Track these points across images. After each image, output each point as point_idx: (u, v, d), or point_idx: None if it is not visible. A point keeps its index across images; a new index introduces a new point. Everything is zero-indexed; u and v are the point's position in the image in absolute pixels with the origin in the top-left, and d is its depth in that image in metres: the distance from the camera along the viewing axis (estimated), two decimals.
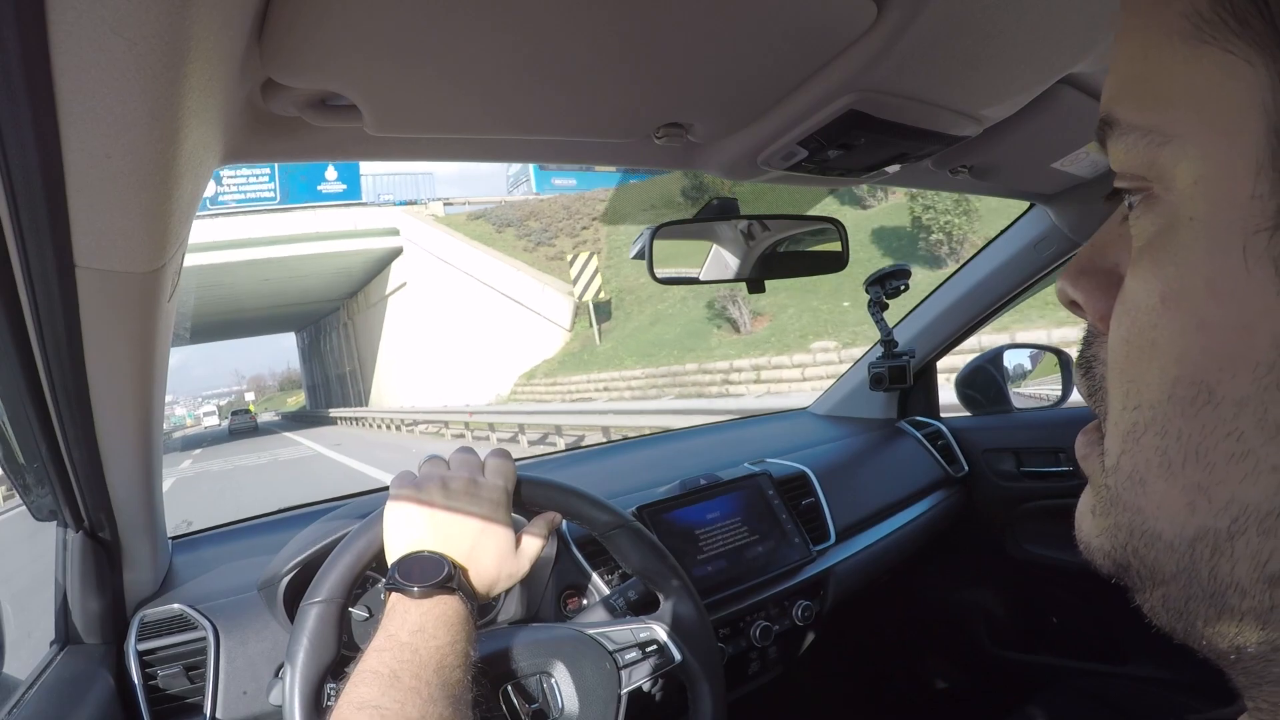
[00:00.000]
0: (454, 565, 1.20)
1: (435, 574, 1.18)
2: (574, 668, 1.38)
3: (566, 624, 1.53)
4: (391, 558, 1.25)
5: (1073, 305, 0.53)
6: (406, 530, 1.25)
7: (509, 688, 1.33)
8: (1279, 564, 0.38)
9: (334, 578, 1.29)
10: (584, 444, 3.19)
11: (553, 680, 1.36)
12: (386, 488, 1.42)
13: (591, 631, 1.45)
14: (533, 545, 1.35)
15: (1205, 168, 0.40)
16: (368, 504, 1.72)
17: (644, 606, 1.60)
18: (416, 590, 1.16)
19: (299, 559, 1.61)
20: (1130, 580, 0.48)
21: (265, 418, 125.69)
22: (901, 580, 2.85)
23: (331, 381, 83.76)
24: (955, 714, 3.11)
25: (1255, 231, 0.37)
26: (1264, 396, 0.38)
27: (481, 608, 1.86)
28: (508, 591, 1.90)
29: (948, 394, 3.28)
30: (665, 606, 1.53)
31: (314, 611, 1.25)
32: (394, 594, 1.19)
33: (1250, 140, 0.37)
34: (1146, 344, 0.44)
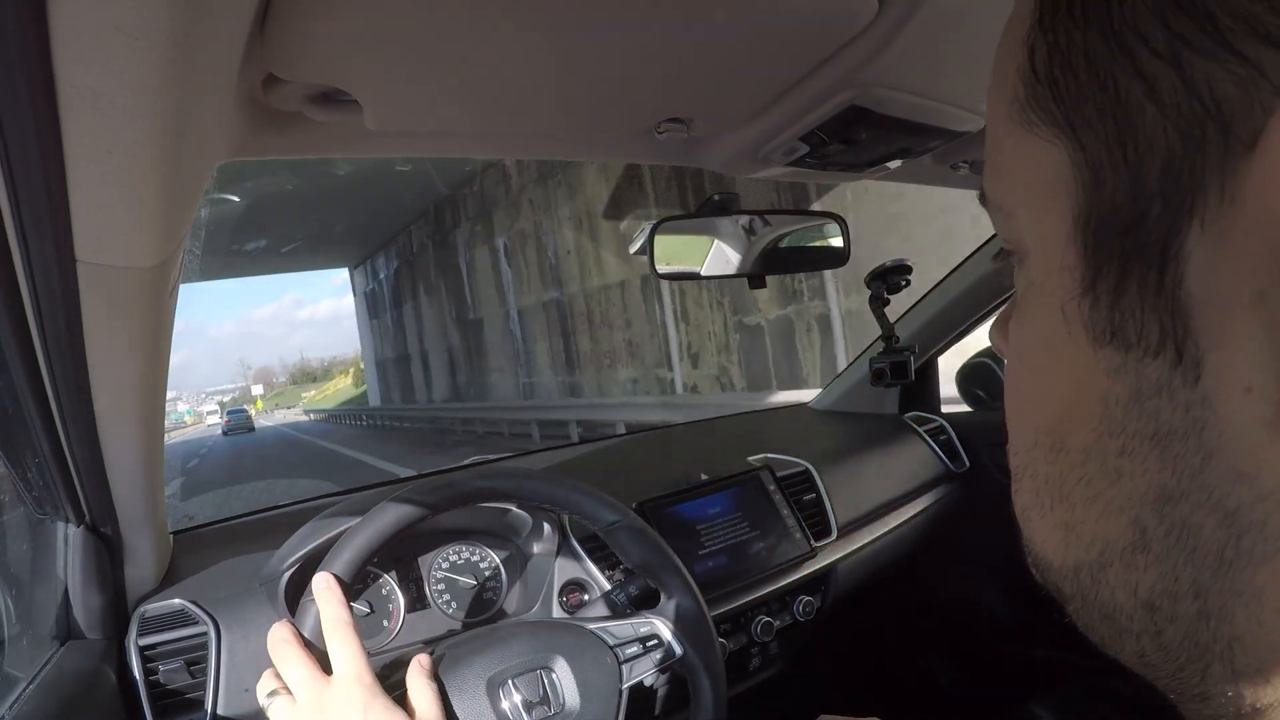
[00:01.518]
0: None
1: None
2: (575, 663, 1.38)
3: (567, 619, 1.52)
4: None
5: (999, 351, 0.58)
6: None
7: (510, 682, 1.33)
8: (1149, 591, 0.42)
9: (344, 558, 1.29)
10: (585, 439, 3.18)
11: (554, 675, 1.36)
12: (388, 482, 1.41)
13: (592, 627, 1.45)
14: (425, 700, 1.25)
15: (1034, 240, 0.45)
16: (369, 499, 1.72)
17: (645, 602, 1.60)
18: None
19: (301, 554, 1.61)
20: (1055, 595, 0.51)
21: (284, 416, 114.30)
22: (903, 576, 2.86)
23: (437, 350, 42.80)
24: (958, 709, 3.11)
25: (1069, 299, 0.42)
26: (1100, 445, 0.42)
27: (482, 603, 1.87)
28: (508, 588, 1.91)
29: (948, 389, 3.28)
30: (666, 602, 1.53)
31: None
32: None
33: (1058, 216, 0.41)
34: (1016, 395, 0.51)
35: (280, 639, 1.23)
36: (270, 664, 1.25)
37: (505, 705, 1.31)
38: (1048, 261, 0.43)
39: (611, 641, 1.43)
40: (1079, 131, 0.39)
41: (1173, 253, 0.36)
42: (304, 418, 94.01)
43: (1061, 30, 0.40)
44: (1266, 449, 0.35)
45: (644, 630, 1.46)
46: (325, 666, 1.20)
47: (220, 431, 75.28)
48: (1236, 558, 0.37)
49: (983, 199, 0.52)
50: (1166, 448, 0.38)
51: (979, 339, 3.06)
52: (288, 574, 1.60)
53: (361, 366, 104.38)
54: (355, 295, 71.80)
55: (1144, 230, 0.37)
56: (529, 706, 1.32)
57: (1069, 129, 0.40)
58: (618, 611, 1.59)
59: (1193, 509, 0.38)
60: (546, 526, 1.90)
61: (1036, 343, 0.46)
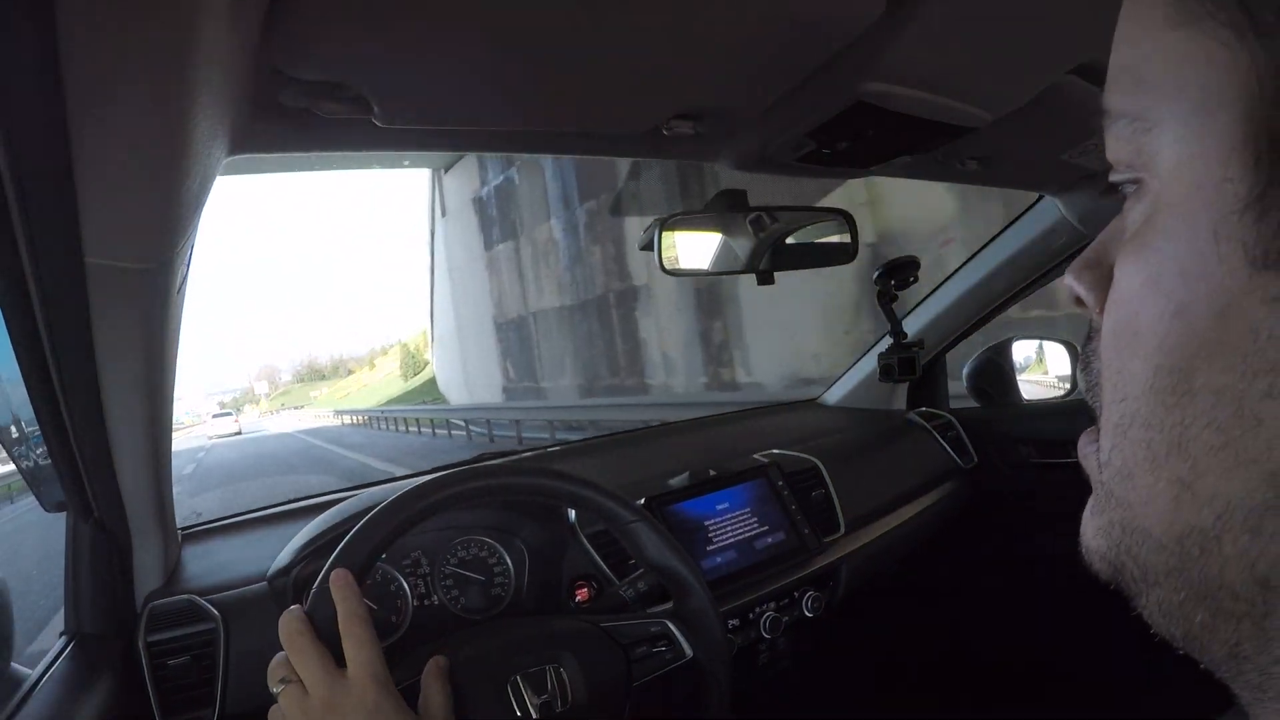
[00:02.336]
0: None
1: None
2: (584, 660, 1.38)
3: (577, 616, 1.52)
4: None
5: (1077, 300, 0.53)
6: None
7: (518, 679, 1.33)
8: (1268, 565, 0.38)
9: (355, 552, 1.29)
10: (593, 435, 3.18)
11: (563, 672, 1.36)
12: (396, 478, 1.41)
13: (602, 624, 1.45)
14: (437, 701, 1.24)
15: (1182, 152, 0.40)
16: (377, 495, 1.72)
17: (654, 597, 1.60)
18: None
19: (309, 550, 1.61)
20: (1126, 583, 0.47)
21: (296, 420, 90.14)
22: (911, 571, 2.86)
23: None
24: (965, 705, 3.11)
25: (1225, 215, 0.37)
26: (1240, 386, 0.37)
27: (491, 599, 1.86)
28: (516, 583, 1.91)
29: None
30: (677, 602, 1.53)
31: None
32: None
33: (1225, 124, 0.37)
34: (1130, 333, 0.44)
35: (294, 629, 1.22)
36: (280, 652, 1.25)
37: (514, 701, 1.31)
38: (1198, 176, 0.39)
39: (622, 640, 1.43)
40: (1265, 31, 0.36)
41: None
42: (330, 421, 67.90)
43: None
44: None
45: (654, 630, 1.46)
46: (338, 659, 1.19)
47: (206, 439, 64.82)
48: None
49: (1104, 116, 0.46)
50: None
51: (985, 336, 3.06)
52: (296, 570, 1.60)
53: (424, 349, 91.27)
54: (441, 221, 47.12)
55: None
56: (538, 703, 1.32)
57: (1252, 28, 0.36)
58: (627, 607, 1.59)
59: None
60: (555, 522, 1.90)
61: (1167, 271, 0.41)
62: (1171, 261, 0.41)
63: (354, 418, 61.90)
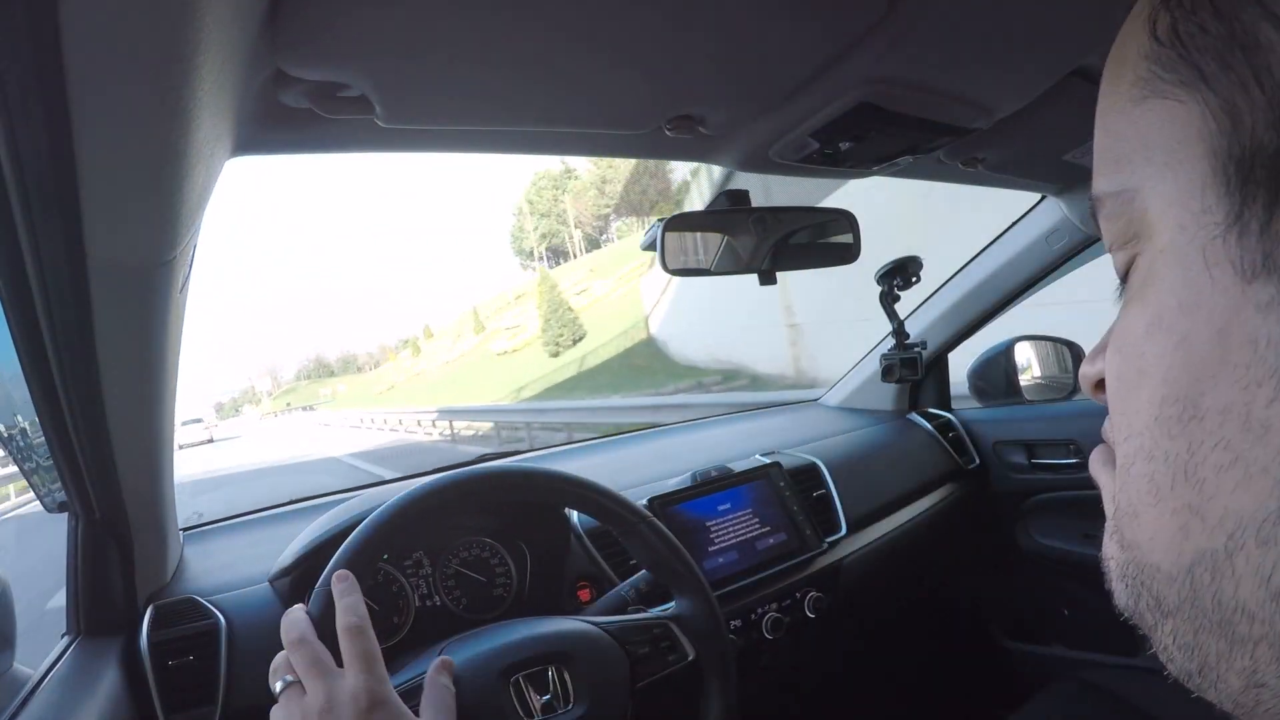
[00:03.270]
0: None
1: None
2: (586, 661, 1.38)
3: (579, 616, 1.52)
4: None
5: (1097, 387, 0.55)
6: None
7: (520, 678, 1.33)
8: None
9: (356, 553, 1.29)
10: (596, 436, 3.19)
11: (565, 673, 1.36)
12: (397, 479, 1.41)
13: (604, 624, 1.45)
14: (434, 702, 1.25)
15: (1163, 204, 0.44)
16: (379, 496, 1.72)
17: (655, 597, 1.60)
18: None
19: (310, 549, 1.61)
20: (1143, 617, 0.48)
21: (313, 424, 68.62)
22: (912, 572, 2.86)
23: None
24: (966, 706, 3.11)
25: (1211, 241, 0.40)
26: (1245, 397, 0.39)
27: (493, 600, 1.86)
28: (518, 584, 1.91)
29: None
30: (679, 603, 1.53)
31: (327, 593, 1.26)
32: None
33: (1194, 166, 0.41)
34: (1135, 374, 0.46)
35: (295, 630, 1.21)
36: (281, 652, 1.24)
37: (516, 701, 1.31)
38: (1180, 218, 0.43)
39: (623, 641, 1.43)
40: (1210, 80, 0.40)
41: None
42: (393, 435, 38.92)
43: (1187, 2, 0.42)
44: None
45: (656, 631, 1.46)
46: (339, 660, 1.19)
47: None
48: None
49: (1092, 212, 0.52)
50: None
51: (988, 335, 3.06)
52: (297, 570, 1.61)
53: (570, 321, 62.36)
54: None
55: None
56: (540, 704, 1.32)
57: (1199, 80, 0.41)
58: (629, 607, 1.59)
59: None
60: (557, 523, 1.90)
61: (1167, 309, 0.44)
62: (1170, 298, 0.43)
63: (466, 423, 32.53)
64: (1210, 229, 0.40)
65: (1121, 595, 0.49)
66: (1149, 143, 0.45)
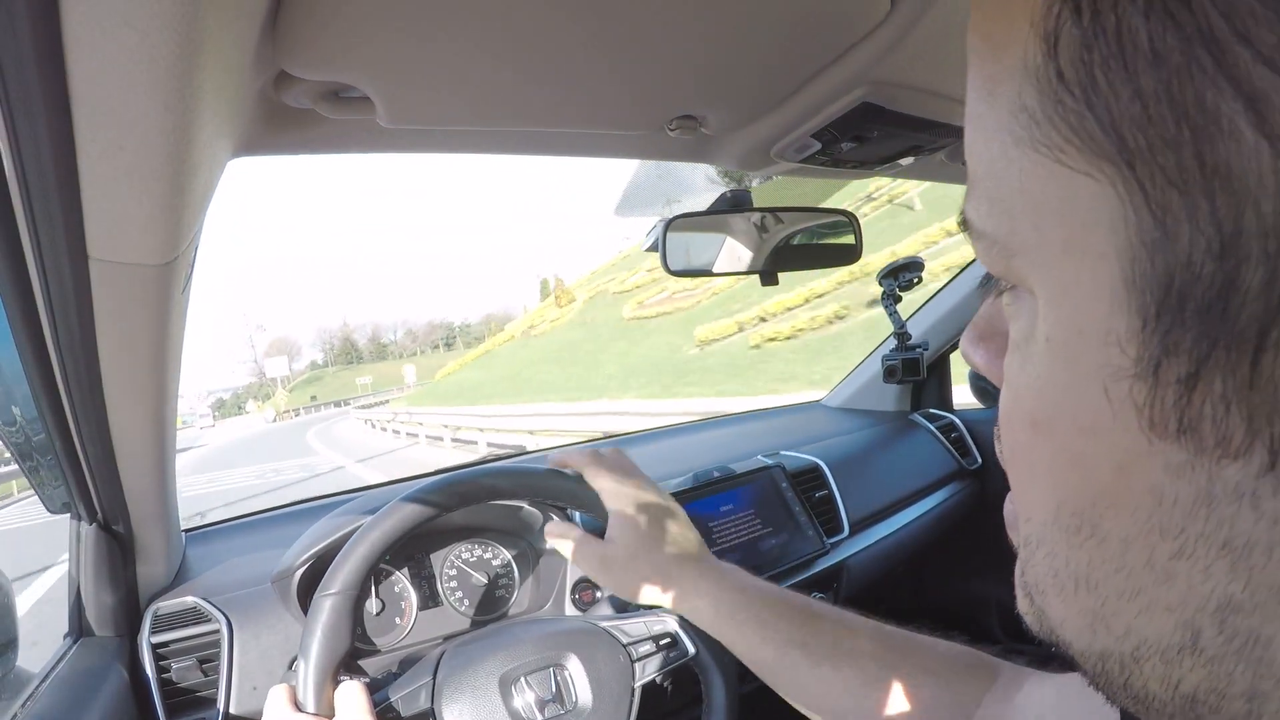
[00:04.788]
0: None
1: None
2: (587, 660, 1.38)
3: (580, 616, 1.52)
4: None
5: (977, 370, 0.50)
6: None
7: (523, 679, 1.33)
8: (1193, 688, 0.35)
9: (348, 570, 1.29)
10: (598, 437, 3.17)
11: (566, 672, 1.36)
12: (397, 481, 1.41)
13: (605, 624, 1.45)
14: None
15: (1053, 292, 0.35)
16: (379, 497, 1.72)
17: None
18: None
19: (312, 552, 1.61)
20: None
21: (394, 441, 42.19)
22: (915, 572, 2.86)
23: None
24: None
25: (1115, 377, 0.33)
26: (1147, 543, 0.34)
27: (495, 601, 1.87)
28: (520, 585, 1.91)
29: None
30: None
31: (328, 604, 1.25)
32: None
33: (1101, 270, 0.32)
34: (1026, 464, 0.42)
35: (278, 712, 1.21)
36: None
37: (518, 703, 1.32)
38: (1079, 323, 0.34)
39: (624, 640, 1.43)
40: (1136, 163, 0.29)
41: (1274, 337, 0.27)
42: None
43: (1108, 13, 0.29)
44: None
45: (657, 629, 1.46)
46: None
47: None
48: None
49: (963, 224, 0.41)
50: (1241, 559, 0.31)
51: None
52: (300, 571, 1.61)
53: None
54: None
55: (1237, 306, 0.27)
56: (541, 704, 1.32)
57: (1119, 157, 0.29)
58: (630, 608, 1.59)
59: (1264, 621, 0.31)
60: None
61: (1060, 417, 0.37)
62: (1061, 410, 0.37)
63: None
64: (1116, 362, 0.33)
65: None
66: (1037, 204, 0.34)
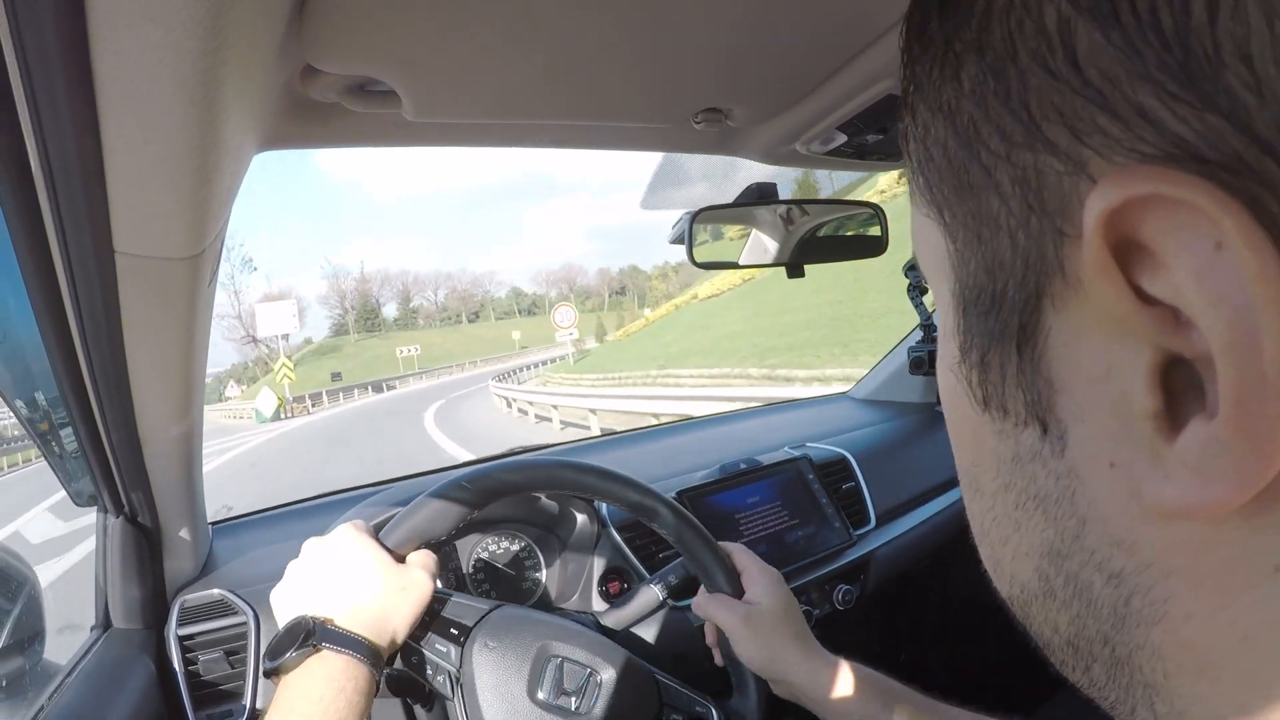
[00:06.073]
0: (314, 620, 1.15)
1: (292, 639, 1.12)
2: (621, 686, 1.37)
3: (651, 669, 1.50)
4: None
5: None
6: (278, 611, 1.22)
7: (561, 662, 1.33)
8: (1067, 631, 0.42)
9: (488, 479, 1.31)
10: (623, 429, 3.18)
11: (598, 680, 1.35)
12: (429, 472, 1.41)
13: (662, 678, 1.44)
14: (421, 574, 1.31)
15: (937, 302, 0.46)
16: (409, 489, 1.72)
17: (684, 590, 1.59)
18: (277, 663, 1.11)
19: None
20: None
21: None
22: (942, 564, 2.85)
23: None
24: (995, 699, 3.10)
25: (952, 364, 0.44)
26: (1002, 496, 0.43)
27: (521, 592, 1.86)
28: (547, 576, 1.91)
29: None
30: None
31: (457, 489, 1.28)
32: (273, 676, 1.13)
33: (944, 287, 0.44)
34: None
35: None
36: None
37: (544, 673, 1.31)
38: (944, 325, 0.45)
39: (664, 697, 1.42)
40: (944, 211, 0.41)
41: (1030, 331, 0.37)
42: None
43: (922, 116, 0.42)
44: (1140, 523, 0.35)
45: (698, 709, 1.45)
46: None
47: None
48: (1129, 615, 0.37)
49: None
50: (1048, 509, 0.40)
51: None
52: None
53: None
54: None
55: (1003, 308, 0.38)
56: (559, 689, 1.32)
57: (938, 208, 0.42)
58: (659, 602, 1.59)
59: (1080, 566, 0.39)
60: (584, 515, 1.90)
61: (946, 394, 0.47)
62: (943, 391, 0.48)
63: None
64: (952, 353, 0.44)
65: None
66: (921, 244, 0.46)
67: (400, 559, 1.30)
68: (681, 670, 1.46)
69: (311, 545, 1.26)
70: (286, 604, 1.21)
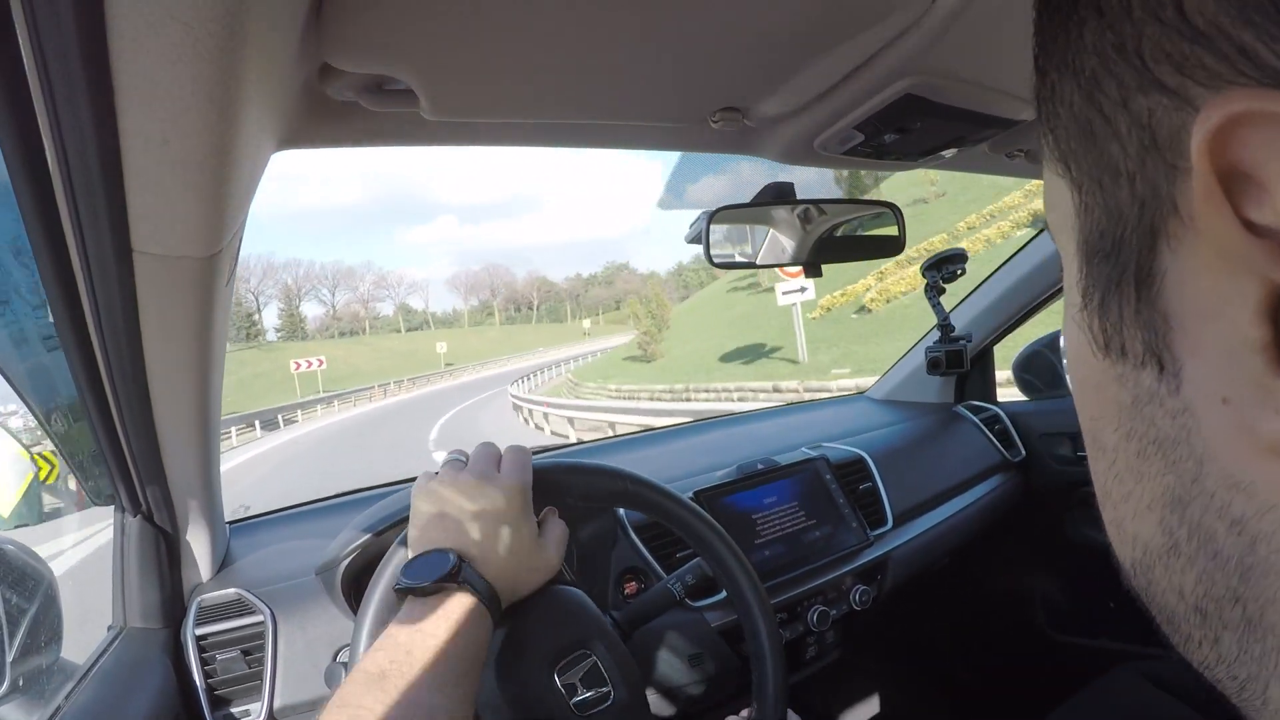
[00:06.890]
0: (461, 559, 1.19)
1: (439, 569, 1.17)
2: (623, 715, 1.36)
3: (662, 652, 1.50)
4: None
5: None
6: (418, 531, 1.25)
7: (596, 659, 1.33)
8: (1193, 595, 0.41)
9: (396, 561, 1.29)
10: (640, 430, 3.19)
11: (610, 696, 1.35)
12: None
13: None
14: (555, 536, 1.37)
15: (1064, 257, 0.47)
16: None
17: (701, 591, 1.59)
18: (419, 588, 1.15)
19: (357, 543, 1.61)
20: None
21: None
22: (959, 565, 2.85)
23: None
24: (1013, 699, 3.10)
25: (1077, 310, 0.45)
26: (1124, 447, 0.43)
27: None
28: (563, 575, 1.92)
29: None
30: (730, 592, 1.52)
31: (378, 595, 1.26)
32: (403, 595, 1.18)
33: (1071, 237, 0.45)
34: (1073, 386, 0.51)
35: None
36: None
37: (573, 665, 1.31)
38: (1069, 276, 0.46)
39: None
40: (1071, 165, 0.43)
41: (1147, 271, 0.38)
42: None
43: (1051, 77, 0.43)
44: (1255, 461, 0.35)
45: None
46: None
47: None
48: (1255, 565, 0.36)
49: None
50: (1168, 453, 0.40)
51: (1034, 328, 3.04)
52: (345, 563, 1.61)
53: None
54: None
55: (1122, 252, 0.40)
56: (578, 683, 1.31)
57: (1064, 163, 0.43)
58: (675, 602, 1.59)
59: (1203, 513, 0.38)
60: (604, 516, 1.90)
61: (1070, 346, 0.48)
62: (1069, 341, 0.48)
63: None
64: (1076, 300, 0.45)
65: None
66: (1052, 203, 0.48)
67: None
68: (697, 670, 1.46)
69: (482, 482, 1.29)
70: (431, 528, 1.26)
